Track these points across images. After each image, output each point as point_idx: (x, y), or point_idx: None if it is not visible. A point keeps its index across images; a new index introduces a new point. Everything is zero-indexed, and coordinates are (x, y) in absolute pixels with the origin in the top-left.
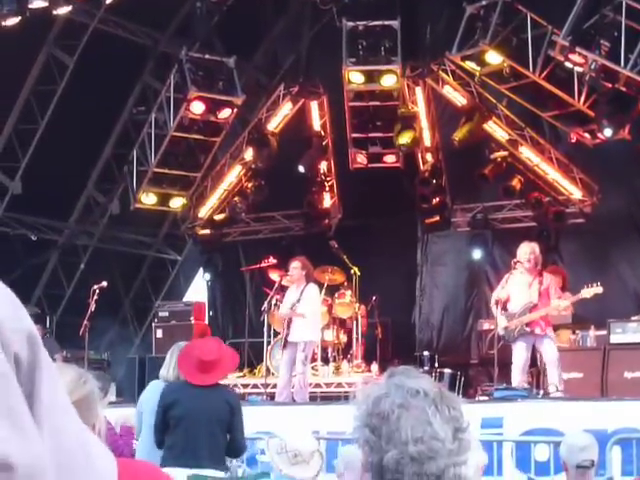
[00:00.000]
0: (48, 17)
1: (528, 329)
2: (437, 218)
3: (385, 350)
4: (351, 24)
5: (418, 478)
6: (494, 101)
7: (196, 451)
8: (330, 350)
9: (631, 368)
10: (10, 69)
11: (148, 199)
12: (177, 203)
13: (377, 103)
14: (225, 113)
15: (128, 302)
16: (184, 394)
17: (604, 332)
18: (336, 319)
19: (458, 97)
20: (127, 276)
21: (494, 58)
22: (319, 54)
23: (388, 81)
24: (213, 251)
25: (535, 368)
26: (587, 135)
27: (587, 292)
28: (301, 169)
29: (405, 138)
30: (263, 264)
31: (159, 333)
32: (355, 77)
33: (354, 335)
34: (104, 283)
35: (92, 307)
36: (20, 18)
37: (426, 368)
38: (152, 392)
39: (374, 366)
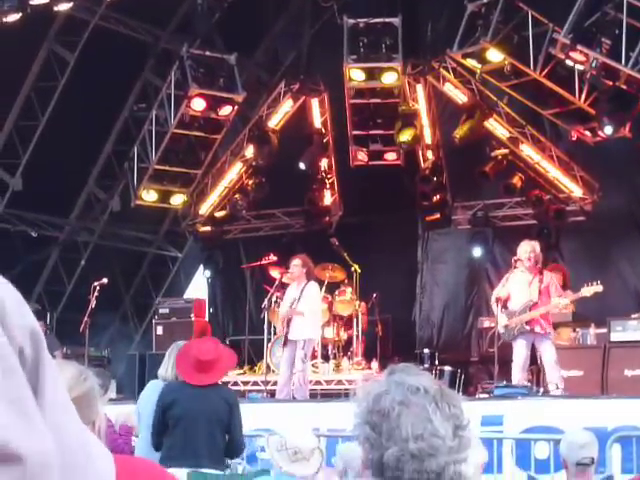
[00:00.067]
0: (49, 13)
1: (528, 327)
2: (438, 216)
3: (385, 347)
4: (352, 21)
5: (418, 475)
6: (495, 99)
7: (195, 451)
8: (330, 347)
9: (631, 366)
10: (11, 65)
11: (149, 196)
12: (178, 200)
13: (378, 100)
14: (226, 110)
15: (128, 299)
16: (182, 394)
17: (604, 330)
18: (336, 316)
19: (459, 95)
20: (128, 273)
21: (495, 56)
22: (320, 51)
23: (389, 78)
24: (214, 248)
25: (535, 366)
26: (588, 133)
27: (587, 290)
28: (302, 166)
29: (406, 135)
30: (264, 261)
31: (159, 330)
32: (356, 74)
33: (354, 332)
34: (104, 280)
35: (92, 304)
36: (21, 14)
37: (426, 365)
38: (150, 392)
39: (374, 363)
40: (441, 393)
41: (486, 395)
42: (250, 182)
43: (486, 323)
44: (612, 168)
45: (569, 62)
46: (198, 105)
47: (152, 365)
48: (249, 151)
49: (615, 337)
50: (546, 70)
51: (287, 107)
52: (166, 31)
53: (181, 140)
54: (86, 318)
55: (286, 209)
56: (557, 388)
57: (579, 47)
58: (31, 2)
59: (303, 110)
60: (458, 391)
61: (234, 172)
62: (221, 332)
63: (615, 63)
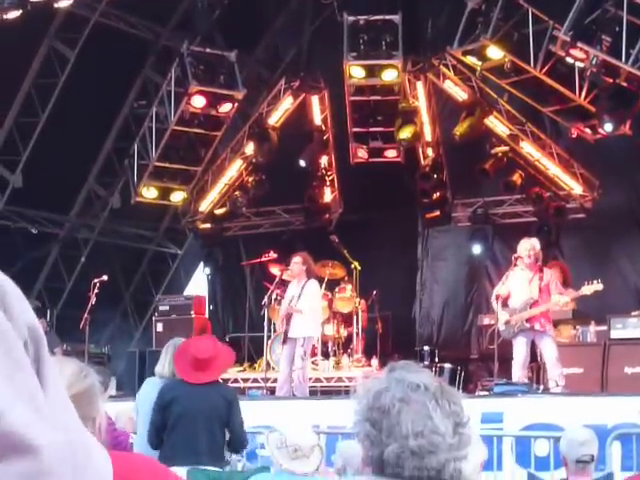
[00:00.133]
0: (49, 10)
1: (528, 325)
2: (438, 213)
3: (385, 345)
4: (352, 18)
5: (418, 472)
6: (495, 96)
7: (195, 448)
8: (330, 344)
9: (631, 363)
10: (11, 62)
11: (149, 193)
12: (178, 197)
13: (378, 98)
14: (226, 107)
15: (128, 296)
16: (181, 392)
17: (604, 327)
18: (336, 313)
19: (459, 92)
20: (128, 270)
21: (495, 53)
22: (320, 48)
23: (389, 76)
24: (214, 245)
25: (535, 363)
26: (588, 130)
27: (587, 289)
28: (302, 163)
29: (406, 133)
30: (264, 258)
31: (159, 327)
32: (356, 71)
33: (354, 329)
34: (105, 277)
35: (92, 301)
36: (21, 11)
37: (426, 363)
38: (148, 389)
39: (374, 360)
40: (441, 390)
41: (486, 392)
42: (250, 179)
43: (486, 320)
44: (612, 165)
45: (569, 59)
46: (198, 102)
47: (152, 362)
48: (249, 148)
49: (615, 334)
50: (546, 67)
51: (287, 104)
52: (166, 28)
53: (181, 137)
54: (86, 315)
55: (286, 206)
56: (557, 385)
57: (579, 44)
58: None
59: (303, 107)
60: (458, 388)
61: (234, 169)
62: (221, 329)
63: (615, 60)
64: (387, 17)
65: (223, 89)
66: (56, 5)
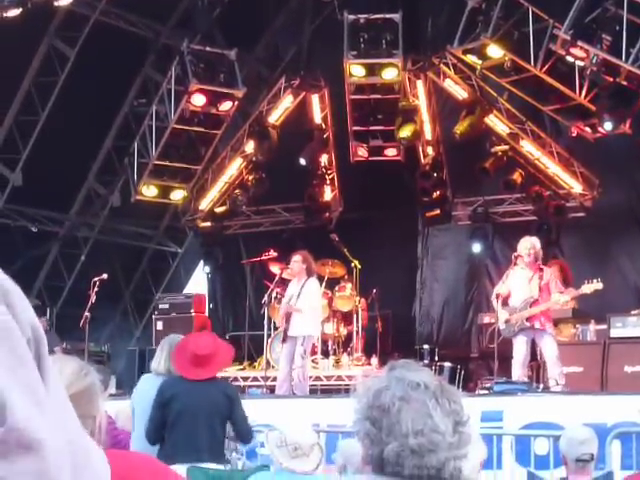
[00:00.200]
0: (49, 9)
1: (528, 324)
2: (438, 211)
3: (385, 343)
4: (352, 17)
5: (418, 471)
6: (495, 95)
7: (196, 446)
8: (330, 343)
9: (631, 362)
10: (11, 60)
11: (149, 191)
12: (178, 195)
13: (378, 96)
14: (226, 105)
15: (128, 294)
16: (181, 389)
17: (604, 326)
18: (336, 312)
19: (459, 90)
20: (127, 268)
21: (495, 52)
22: (320, 47)
23: (389, 74)
24: (214, 244)
25: (535, 362)
26: (588, 129)
27: (587, 288)
28: (302, 162)
29: (406, 131)
30: (264, 257)
31: (159, 325)
32: (356, 70)
33: (354, 328)
34: (104, 275)
35: (92, 299)
36: (21, 9)
37: (426, 361)
38: (144, 386)
39: (374, 359)
40: (441, 389)
41: (486, 391)
42: (250, 178)
43: (486, 319)
44: (612, 164)
45: (569, 58)
46: (198, 100)
47: (152, 360)
48: (249, 147)
49: (615, 333)
50: (546, 66)
51: (287, 103)
52: (166, 26)
53: (181, 135)
54: (86, 313)
55: (286, 205)
56: (557, 384)
57: (579, 43)
58: None
59: (303, 106)
60: (458, 387)
61: (234, 167)
62: (221, 328)
63: (615, 59)
64: (387, 16)
65: (223, 87)
66: (56, 3)
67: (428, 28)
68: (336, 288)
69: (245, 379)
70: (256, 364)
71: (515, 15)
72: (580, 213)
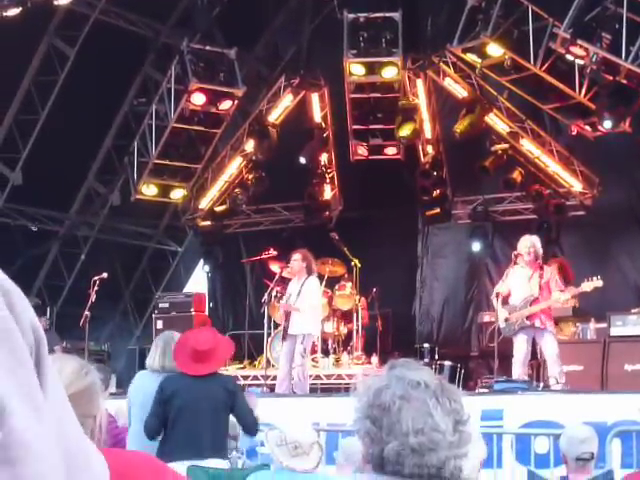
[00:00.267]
0: (49, 8)
1: (528, 322)
2: (437, 210)
3: (385, 342)
4: (352, 16)
5: (419, 470)
6: (495, 93)
7: (198, 442)
8: (330, 342)
9: (631, 361)
10: (11, 59)
11: (149, 190)
12: (178, 194)
13: (378, 95)
14: (226, 104)
15: (128, 293)
16: (183, 386)
17: (604, 325)
18: (336, 311)
19: (459, 89)
20: (127, 267)
21: (495, 50)
22: (320, 46)
23: (389, 73)
24: (214, 243)
25: (535, 361)
26: (588, 128)
27: (587, 285)
28: (302, 160)
29: (406, 130)
30: (264, 256)
31: (159, 324)
32: (356, 69)
33: (354, 327)
34: (104, 274)
35: (92, 298)
36: (21, 9)
37: (426, 360)
38: (138, 382)
39: (374, 358)
40: (442, 388)
41: (486, 390)
42: (250, 176)
43: (486, 318)
44: (612, 163)
45: (569, 57)
46: (198, 99)
47: None
48: (249, 145)
49: (615, 332)
50: (546, 65)
51: (287, 101)
52: (166, 25)
53: (181, 134)
54: (86, 312)
55: (286, 203)
56: (557, 383)
57: (579, 42)
58: None
59: (303, 104)
60: (458, 386)
61: (234, 166)
62: (221, 326)
63: (615, 58)
64: (387, 14)
65: (223, 86)
66: (56, 3)
67: (428, 27)
68: (336, 287)
69: (245, 378)
70: (256, 363)
71: (515, 14)
72: (580, 212)
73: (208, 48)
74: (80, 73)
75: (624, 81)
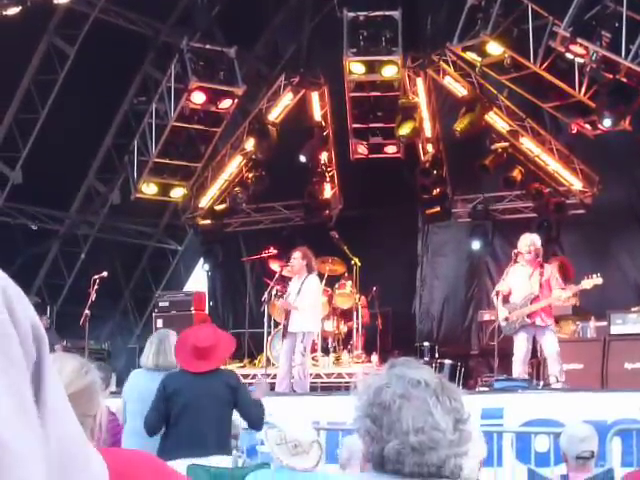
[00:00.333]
0: (49, 6)
1: (529, 320)
2: (438, 209)
3: (385, 341)
4: (352, 14)
5: (419, 468)
6: (495, 92)
7: (203, 439)
8: (330, 340)
9: (631, 359)
10: (11, 58)
11: (149, 189)
12: (178, 193)
13: (378, 94)
14: (226, 103)
15: (128, 292)
16: (185, 383)
17: (604, 323)
18: (336, 309)
19: (459, 88)
20: (127, 266)
21: (495, 49)
22: (320, 44)
23: (389, 72)
24: (214, 241)
25: (535, 359)
26: (588, 126)
27: (587, 283)
28: (302, 159)
29: (406, 129)
30: (264, 254)
31: (159, 323)
32: (356, 67)
33: (354, 326)
34: (104, 273)
35: (92, 297)
36: (21, 7)
37: (426, 359)
38: (133, 380)
39: (374, 357)
40: (442, 386)
41: (486, 388)
42: (250, 175)
43: (486, 316)
44: (612, 161)
45: (569, 55)
46: (198, 98)
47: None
48: (249, 144)
49: (615, 330)
50: (546, 63)
51: (287, 100)
52: (166, 24)
53: (181, 133)
54: (86, 311)
55: (286, 202)
56: (557, 381)
57: (579, 40)
58: None
59: (303, 103)
60: (458, 384)
61: (234, 165)
62: (221, 325)
63: (615, 56)
64: (387, 13)
65: (223, 85)
66: (55, 1)
67: (428, 25)
68: (336, 286)
69: (245, 376)
70: (256, 361)
71: (515, 12)
72: (580, 210)
73: (208, 47)
74: (80, 72)
75: (624, 79)
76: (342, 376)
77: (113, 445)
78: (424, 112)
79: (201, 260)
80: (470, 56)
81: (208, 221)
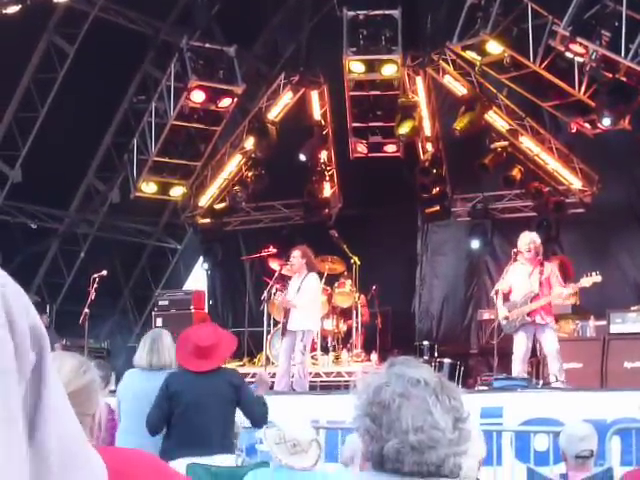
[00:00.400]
0: (48, 5)
1: (529, 319)
2: (437, 208)
3: (385, 340)
4: (352, 13)
5: (418, 467)
6: (494, 91)
7: (206, 438)
8: (330, 339)
9: (631, 358)
10: (10, 57)
11: (148, 188)
12: (177, 192)
13: (377, 92)
14: (225, 102)
15: (128, 291)
16: (187, 382)
17: (604, 322)
18: (336, 308)
19: (458, 87)
20: (127, 265)
21: (495, 48)
22: (320, 43)
23: (388, 70)
24: (213, 240)
25: (535, 358)
26: (587, 125)
27: (586, 281)
28: (302, 158)
29: (405, 128)
30: (263, 253)
31: (159, 322)
32: (355, 66)
33: (354, 324)
34: (104, 272)
35: (92, 296)
36: (20, 6)
37: (426, 358)
38: (128, 380)
39: (374, 355)
40: (441, 385)
41: (485, 387)
42: (249, 174)
43: (486, 315)
44: (612, 160)
45: (569, 54)
46: (198, 97)
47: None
48: (249, 143)
49: (614, 329)
50: (546, 62)
51: (287, 99)
52: (166, 23)
53: (181, 132)
54: (85, 310)
55: (285, 201)
56: (557, 380)
57: (579, 39)
58: None
59: (303, 102)
60: (457, 383)
61: (233, 164)
62: (220, 324)
63: (615, 55)
64: (387, 12)
65: (222, 84)
66: (55, 0)
67: (427, 24)
68: (335, 284)
69: (245, 375)
70: (256, 360)
71: (514, 11)
72: (580, 209)
73: (207, 46)
74: (79, 71)
75: (624, 79)
76: (341, 375)
77: (112, 443)
78: (424, 111)
79: (201, 259)
80: (470, 55)
81: (208, 220)
